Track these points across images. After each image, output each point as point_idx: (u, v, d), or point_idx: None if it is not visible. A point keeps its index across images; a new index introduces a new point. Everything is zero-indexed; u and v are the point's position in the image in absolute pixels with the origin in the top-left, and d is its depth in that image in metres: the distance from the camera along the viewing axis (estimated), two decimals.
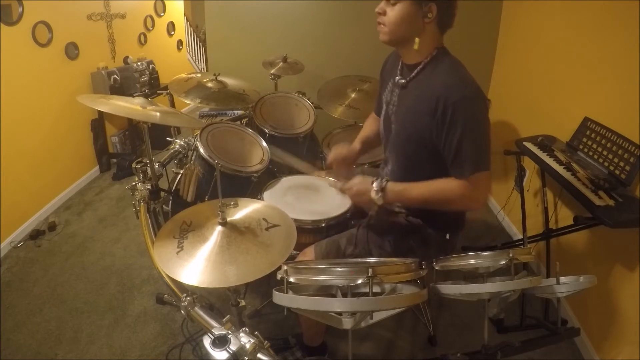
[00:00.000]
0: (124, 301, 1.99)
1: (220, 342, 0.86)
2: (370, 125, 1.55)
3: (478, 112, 1.10)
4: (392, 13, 1.12)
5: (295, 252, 1.39)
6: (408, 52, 1.19)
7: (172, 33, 4.92)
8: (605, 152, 1.64)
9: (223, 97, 2.14)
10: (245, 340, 0.87)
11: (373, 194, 1.19)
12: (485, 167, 1.10)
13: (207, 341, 0.87)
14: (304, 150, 2.22)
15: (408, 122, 1.21)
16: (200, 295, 1.11)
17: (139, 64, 3.72)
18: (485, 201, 1.15)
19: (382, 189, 1.19)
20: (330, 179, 1.70)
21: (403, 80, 1.22)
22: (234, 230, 1.09)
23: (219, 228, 1.09)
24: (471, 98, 1.09)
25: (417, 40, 1.13)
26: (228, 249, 1.03)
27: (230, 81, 2.25)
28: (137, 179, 1.67)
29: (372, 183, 1.21)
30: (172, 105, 3.15)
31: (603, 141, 1.66)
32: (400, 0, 1.09)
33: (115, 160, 3.48)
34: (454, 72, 1.13)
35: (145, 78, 3.70)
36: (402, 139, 1.24)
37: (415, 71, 1.18)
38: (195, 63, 6.01)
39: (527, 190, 2.26)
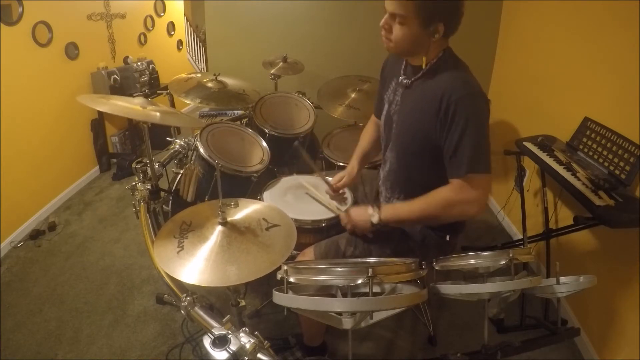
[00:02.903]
0: (124, 301, 1.99)
1: (220, 342, 0.86)
2: (367, 136, 1.57)
3: (480, 112, 1.10)
4: (398, 32, 1.11)
5: (295, 252, 1.39)
6: (413, 58, 1.20)
7: (172, 33, 4.92)
8: (605, 152, 1.64)
9: (223, 97, 2.14)
10: (245, 340, 0.87)
11: (370, 210, 1.24)
12: (484, 169, 1.10)
13: (207, 341, 0.87)
14: (304, 150, 2.22)
15: (411, 121, 1.21)
16: (200, 295, 1.11)
17: (139, 64, 3.72)
18: (483, 205, 1.14)
19: (377, 206, 1.24)
20: (330, 178, 1.70)
21: (407, 81, 1.22)
22: (234, 230, 1.09)
23: (219, 228, 1.09)
24: (474, 97, 1.09)
25: (424, 59, 1.15)
26: (228, 248, 1.03)
27: (230, 81, 2.25)
28: (137, 179, 1.67)
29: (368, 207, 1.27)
30: (172, 105, 3.15)
31: (603, 141, 1.66)
32: (406, 22, 1.08)
33: (115, 160, 3.48)
34: (458, 72, 1.13)
35: (145, 78, 3.70)
36: (404, 138, 1.24)
37: (421, 72, 1.18)
38: (195, 63, 6.01)
39: (527, 190, 2.26)
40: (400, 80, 1.25)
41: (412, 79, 1.21)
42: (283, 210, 1.23)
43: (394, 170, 1.33)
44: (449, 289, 1.21)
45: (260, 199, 1.56)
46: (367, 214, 1.25)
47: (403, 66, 1.26)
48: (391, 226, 1.28)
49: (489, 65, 2.94)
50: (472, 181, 1.09)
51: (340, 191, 1.55)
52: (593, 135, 1.72)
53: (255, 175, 1.74)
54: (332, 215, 1.48)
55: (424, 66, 1.16)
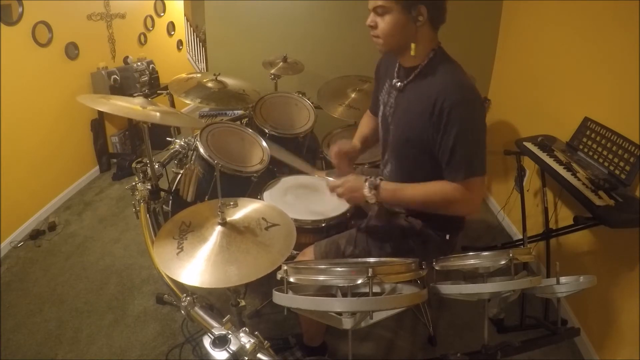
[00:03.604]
0: (124, 301, 1.99)
1: (220, 342, 0.86)
2: (366, 124, 1.55)
3: (474, 116, 1.10)
4: (383, 24, 1.11)
5: (295, 252, 1.40)
6: (405, 56, 1.19)
7: (172, 33, 4.92)
8: (605, 152, 1.64)
9: (223, 97, 2.14)
10: (245, 340, 0.87)
11: (366, 191, 1.17)
12: (480, 172, 1.10)
13: (207, 341, 0.87)
14: (304, 150, 2.23)
15: (406, 124, 1.21)
16: (200, 296, 1.11)
17: (139, 64, 3.72)
18: (478, 206, 1.15)
19: (375, 187, 1.17)
20: (330, 178, 1.70)
21: (400, 83, 1.22)
22: (233, 230, 1.09)
23: (218, 228, 1.09)
24: (468, 101, 1.08)
25: (413, 46, 1.13)
26: (228, 249, 1.03)
27: (230, 81, 2.25)
28: (137, 179, 1.67)
29: (365, 181, 1.19)
30: (172, 105, 3.14)
31: (603, 141, 1.66)
32: (388, 11, 1.09)
33: (115, 160, 3.48)
34: (451, 75, 1.12)
35: (145, 78, 3.70)
36: (400, 141, 1.24)
37: (413, 75, 1.18)
38: (195, 63, 6.01)
39: (527, 190, 2.26)
40: (393, 83, 1.25)
41: (405, 82, 1.21)
42: (283, 210, 1.22)
43: (394, 171, 1.33)
44: (449, 289, 1.21)
45: (260, 199, 1.56)
46: (362, 191, 1.19)
47: (396, 69, 1.25)
48: (391, 220, 1.28)
49: (489, 65, 2.94)
50: (469, 184, 1.10)
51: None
52: (593, 135, 1.72)
53: (255, 175, 1.74)
54: (331, 215, 1.47)
55: (412, 53, 1.14)
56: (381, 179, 1.20)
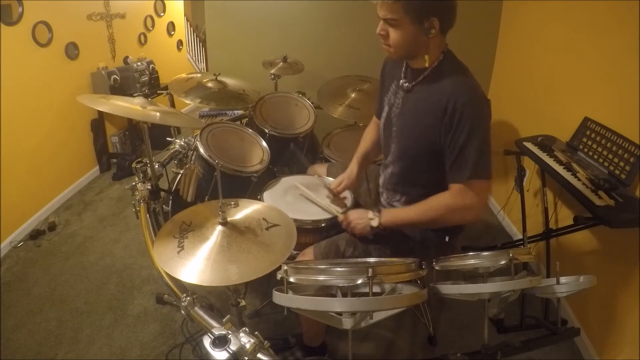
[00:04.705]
0: (124, 301, 1.99)
1: (220, 342, 0.86)
2: (369, 137, 1.56)
3: (484, 117, 1.11)
4: (395, 35, 1.10)
5: (295, 252, 1.40)
6: (415, 60, 1.19)
7: (172, 33, 4.92)
8: (605, 152, 1.64)
9: (223, 97, 2.14)
10: (245, 340, 0.87)
11: (370, 214, 1.25)
12: (485, 175, 1.10)
13: (207, 341, 0.87)
14: (304, 150, 2.23)
15: (413, 124, 1.21)
16: (200, 295, 1.11)
17: (139, 64, 3.72)
18: (481, 211, 1.15)
19: (378, 211, 1.24)
20: (330, 178, 1.71)
21: (408, 84, 1.22)
22: (234, 230, 1.09)
23: (219, 228, 1.09)
24: (479, 102, 1.09)
25: (426, 57, 1.13)
26: (229, 248, 1.03)
27: (230, 81, 2.26)
28: (137, 179, 1.67)
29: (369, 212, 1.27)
30: (172, 105, 3.15)
31: (603, 141, 1.66)
32: (400, 23, 1.07)
33: (115, 160, 3.48)
34: (462, 76, 1.13)
35: (145, 78, 3.70)
36: (405, 141, 1.24)
37: (422, 76, 1.18)
38: (195, 63, 6.01)
39: (527, 190, 2.26)
40: (400, 83, 1.25)
41: (413, 83, 1.20)
42: (283, 210, 1.22)
43: (395, 173, 1.32)
44: (449, 289, 1.21)
45: (260, 199, 1.56)
46: (367, 218, 1.25)
47: (403, 69, 1.25)
48: (390, 229, 1.28)
49: (489, 65, 2.93)
50: (473, 186, 1.10)
51: (341, 195, 1.55)
52: (593, 135, 1.72)
53: (255, 175, 1.74)
54: (332, 215, 1.48)
55: (426, 64, 1.14)
56: (383, 207, 1.27)
